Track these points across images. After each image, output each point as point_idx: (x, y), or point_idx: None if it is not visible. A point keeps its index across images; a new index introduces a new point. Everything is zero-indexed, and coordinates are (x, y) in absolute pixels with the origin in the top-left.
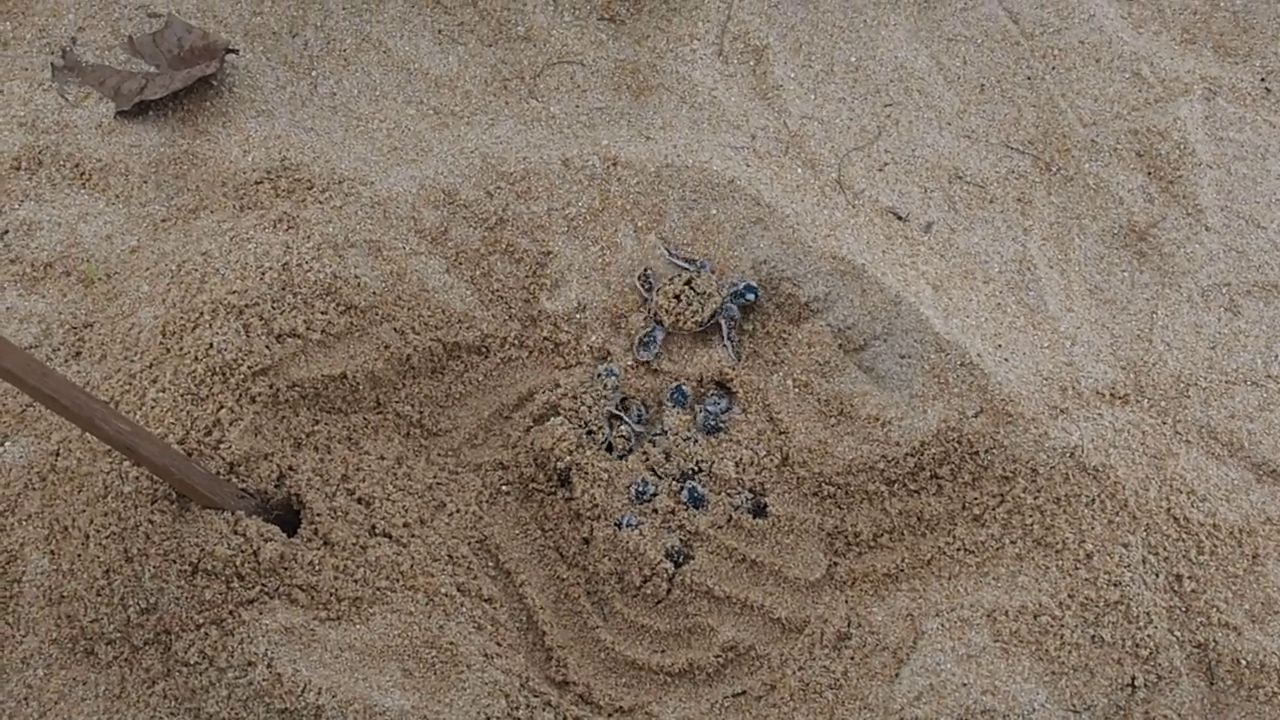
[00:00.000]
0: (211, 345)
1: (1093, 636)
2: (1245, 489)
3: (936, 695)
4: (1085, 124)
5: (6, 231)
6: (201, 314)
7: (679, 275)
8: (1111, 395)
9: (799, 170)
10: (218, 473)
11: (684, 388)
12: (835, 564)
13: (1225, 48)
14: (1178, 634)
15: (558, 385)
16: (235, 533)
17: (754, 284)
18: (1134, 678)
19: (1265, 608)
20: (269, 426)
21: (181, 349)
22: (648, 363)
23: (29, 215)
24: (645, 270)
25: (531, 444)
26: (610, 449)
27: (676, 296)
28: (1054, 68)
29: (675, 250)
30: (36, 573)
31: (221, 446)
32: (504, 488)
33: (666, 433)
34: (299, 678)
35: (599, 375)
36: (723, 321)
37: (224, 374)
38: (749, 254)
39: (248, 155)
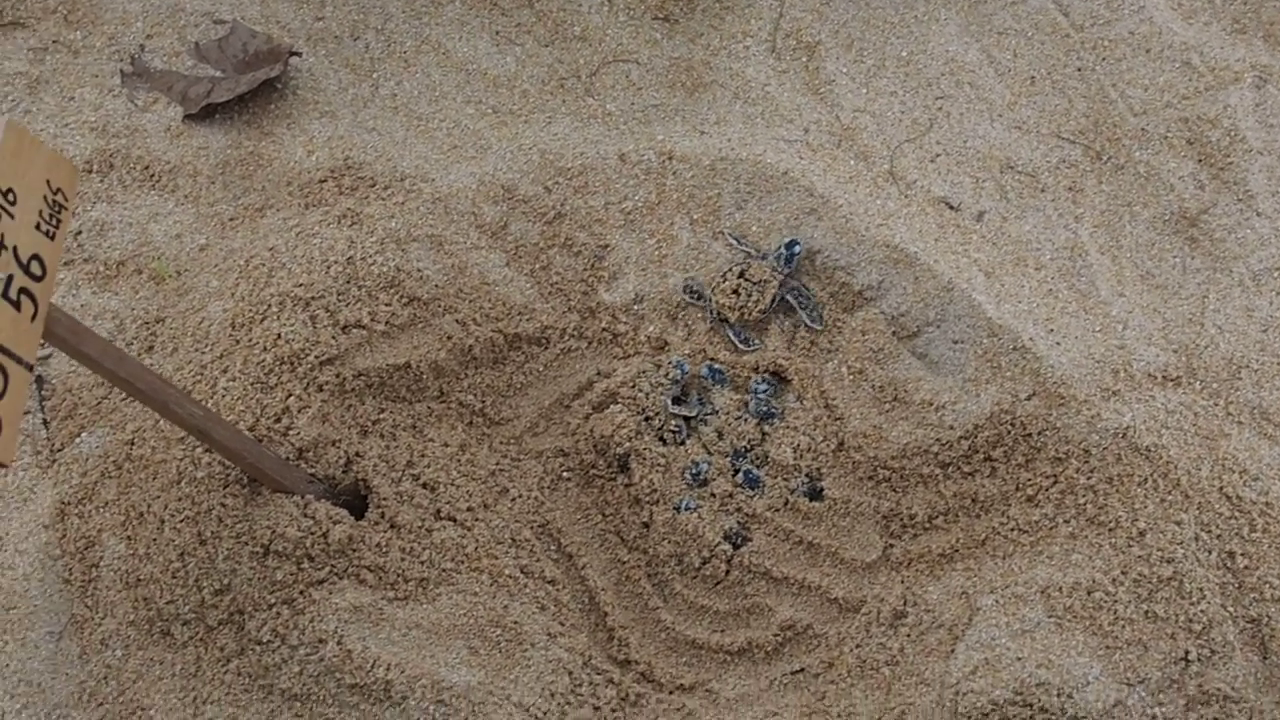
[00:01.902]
0: (280, 336)
1: (1146, 612)
2: None
3: (992, 669)
4: (1135, 113)
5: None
6: (269, 306)
7: (731, 270)
8: (1163, 378)
9: (851, 162)
10: (286, 458)
11: (716, 365)
12: (891, 545)
13: (1275, 36)
14: (1231, 609)
15: (615, 374)
16: (305, 515)
17: (794, 239)
18: (1187, 652)
19: None
20: (336, 414)
21: (251, 340)
22: (753, 353)
23: (101, 216)
24: (686, 282)
25: (591, 431)
26: (664, 441)
27: (735, 291)
28: (1104, 59)
29: (741, 238)
30: (114, 557)
31: (290, 433)
32: (564, 474)
33: (717, 412)
34: (368, 654)
35: (672, 365)
36: (793, 300)
37: (292, 363)
38: (803, 244)
39: (311, 155)
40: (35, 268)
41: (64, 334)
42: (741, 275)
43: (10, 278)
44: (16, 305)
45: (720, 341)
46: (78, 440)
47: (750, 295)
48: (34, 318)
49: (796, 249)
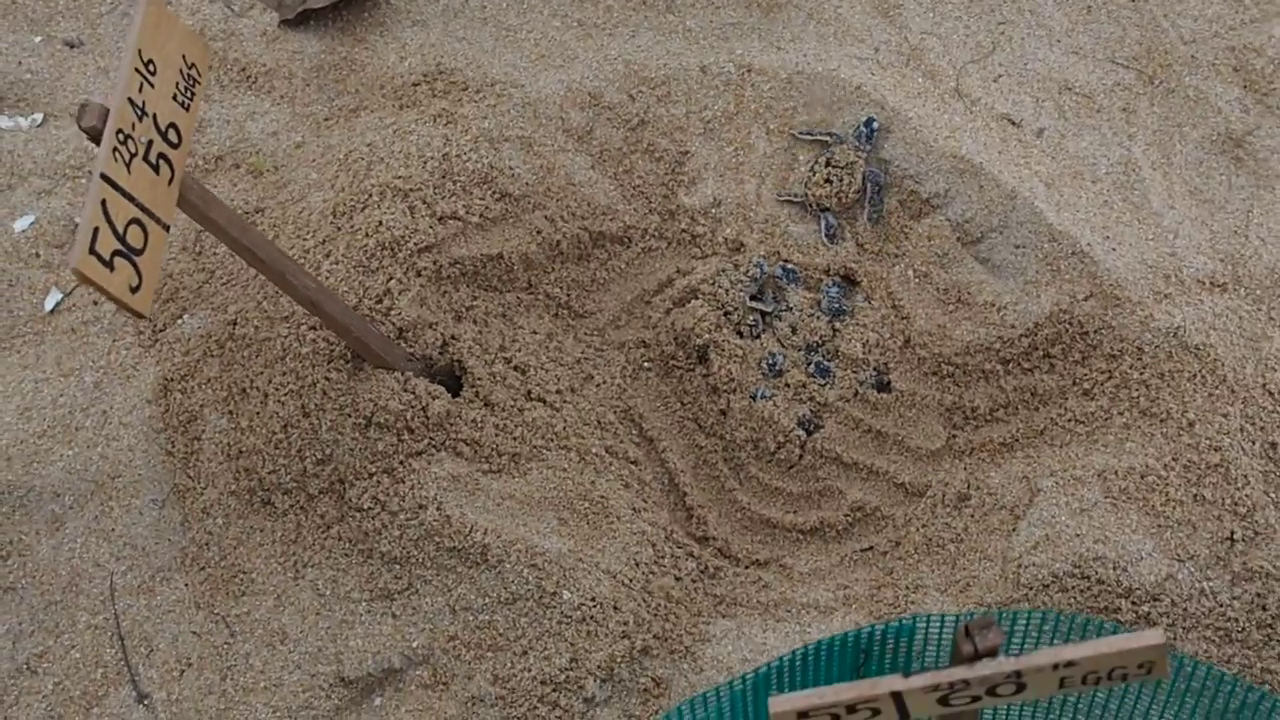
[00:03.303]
0: (381, 223)
1: (1195, 495)
2: None
3: (1051, 544)
4: (1186, 41)
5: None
6: (370, 196)
7: (817, 161)
8: (1211, 283)
9: (919, 80)
10: (388, 337)
11: (790, 265)
12: (954, 435)
13: None
14: (1273, 495)
15: (694, 271)
16: (405, 390)
17: (871, 116)
18: (1233, 532)
19: None
20: (433, 299)
21: (353, 226)
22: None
23: (199, 113)
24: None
25: (672, 324)
26: (741, 335)
27: (826, 181)
28: None
29: (811, 130)
30: (215, 431)
31: (391, 313)
32: (646, 364)
33: (791, 309)
34: (466, 520)
35: (752, 264)
36: (871, 186)
37: (393, 249)
38: (874, 154)
39: (404, 61)
40: (172, 135)
41: (195, 200)
42: (828, 164)
43: (150, 142)
44: (155, 169)
45: (794, 244)
46: (179, 321)
47: (842, 180)
48: (170, 182)
49: (874, 124)
